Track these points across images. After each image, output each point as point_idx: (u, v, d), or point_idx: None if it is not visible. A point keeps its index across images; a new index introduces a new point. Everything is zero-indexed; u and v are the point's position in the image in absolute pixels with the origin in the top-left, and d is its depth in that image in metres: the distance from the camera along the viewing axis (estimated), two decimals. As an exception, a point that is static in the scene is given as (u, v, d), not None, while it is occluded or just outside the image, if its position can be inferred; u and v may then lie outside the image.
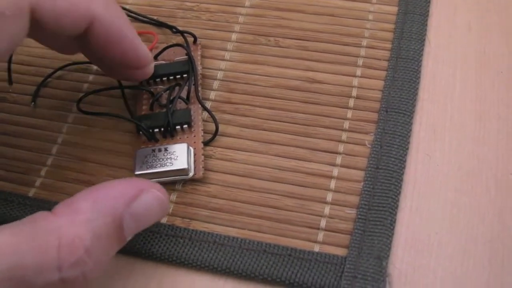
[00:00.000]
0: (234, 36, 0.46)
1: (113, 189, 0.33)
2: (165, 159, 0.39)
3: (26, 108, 0.44)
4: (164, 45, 0.45)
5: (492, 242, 0.37)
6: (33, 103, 0.44)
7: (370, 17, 0.46)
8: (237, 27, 0.46)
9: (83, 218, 0.32)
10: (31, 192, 0.41)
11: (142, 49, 0.39)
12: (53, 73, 0.45)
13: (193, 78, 0.43)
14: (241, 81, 0.44)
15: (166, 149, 0.40)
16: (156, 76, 0.43)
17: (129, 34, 0.38)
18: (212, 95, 0.43)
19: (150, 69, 0.41)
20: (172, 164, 0.39)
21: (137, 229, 0.34)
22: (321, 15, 0.46)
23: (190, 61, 0.43)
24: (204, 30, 0.46)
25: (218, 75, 0.44)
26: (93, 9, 0.36)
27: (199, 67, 0.44)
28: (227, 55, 0.45)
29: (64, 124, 0.43)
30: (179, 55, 0.44)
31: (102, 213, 0.32)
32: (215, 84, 0.44)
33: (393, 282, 0.36)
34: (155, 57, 0.44)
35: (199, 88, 0.43)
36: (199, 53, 0.45)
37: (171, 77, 0.43)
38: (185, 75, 0.43)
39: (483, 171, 0.39)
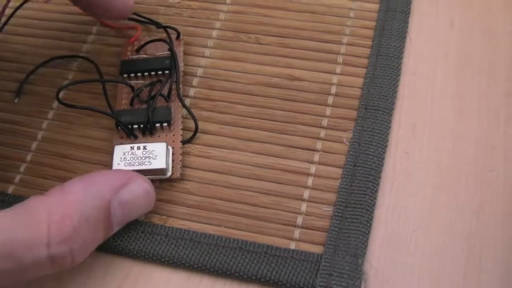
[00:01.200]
0: (214, 33, 0.46)
1: (103, 177, 0.35)
2: (143, 158, 0.39)
3: (6, 104, 0.44)
4: (147, 39, 0.45)
5: (470, 239, 0.37)
6: (17, 98, 0.44)
7: (351, 14, 0.46)
8: (217, 24, 0.46)
9: (73, 199, 0.33)
10: (10, 189, 0.41)
11: None
12: (35, 69, 0.45)
13: (175, 75, 0.42)
14: (220, 78, 0.44)
15: (145, 148, 0.39)
16: (137, 70, 0.43)
17: None
18: (192, 92, 0.43)
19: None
20: (150, 163, 0.39)
21: (123, 218, 0.36)
22: (302, 12, 0.46)
23: (172, 57, 0.43)
24: (185, 27, 0.46)
25: (198, 72, 0.44)
26: None
27: (181, 64, 0.44)
28: (207, 52, 0.45)
29: (44, 121, 0.43)
30: (161, 50, 0.44)
31: (91, 196, 0.34)
32: (195, 81, 0.44)
33: (369, 280, 0.36)
34: (137, 51, 0.44)
35: (180, 86, 0.42)
36: (181, 49, 0.45)
37: (153, 73, 0.43)
38: (166, 72, 0.43)
39: (462, 168, 0.39)
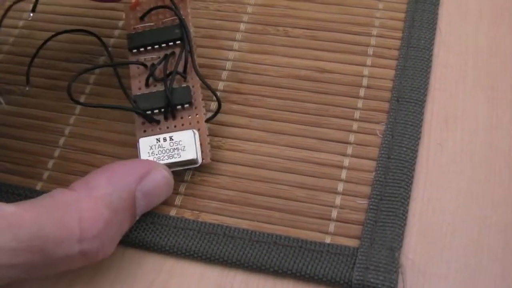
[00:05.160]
0: (242, 26, 0.46)
1: (125, 167, 0.36)
2: (172, 150, 0.38)
3: (33, 100, 0.44)
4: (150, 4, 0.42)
5: (506, 232, 0.36)
6: (28, 86, 0.43)
7: (380, 6, 0.45)
8: (245, 17, 0.46)
9: (100, 193, 0.33)
10: (39, 185, 0.40)
11: None
12: (42, 45, 0.43)
13: (187, 46, 0.40)
14: (250, 71, 0.43)
15: (171, 138, 0.38)
16: (147, 44, 0.41)
17: None
18: (221, 85, 0.43)
19: None
20: (180, 155, 0.38)
21: (146, 207, 0.36)
22: (331, 4, 0.46)
23: (182, 27, 0.41)
24: (212, 21, 0.46)
25: (227, 65, 0.44)
26: None
27: (191, 29, 0.41)
28: (235, 45, 0.45)
29: (71, 116, 0.43)
30: (168, 15, 0.42)
31: (117, 188, 0.34)
32: (224, 74, 0.43)
33: (406, 273, 0.35)
34: (141, 18, 0.42)
35: (195, 57, 0.40)
36: (188, 10, 0.42)
37: (163, 45, 0.41)
38: (177, 42, 0.41)
39: (496, 160, 0.39)
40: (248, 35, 0.45)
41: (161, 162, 0.38)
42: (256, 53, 0.44)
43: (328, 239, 0.37)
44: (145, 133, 0.39)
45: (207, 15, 0.46)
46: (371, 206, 0.37)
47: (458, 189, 0.38)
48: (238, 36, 0.45)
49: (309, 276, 0.35)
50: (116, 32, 0.47)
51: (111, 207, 0.33)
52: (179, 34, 0.41)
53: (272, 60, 0.44)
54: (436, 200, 0.38)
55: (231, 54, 0.44)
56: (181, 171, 0.39)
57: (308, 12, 0.46)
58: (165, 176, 0.37)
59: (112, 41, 0.46)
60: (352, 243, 0.36)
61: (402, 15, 0.45)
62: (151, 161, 0.37)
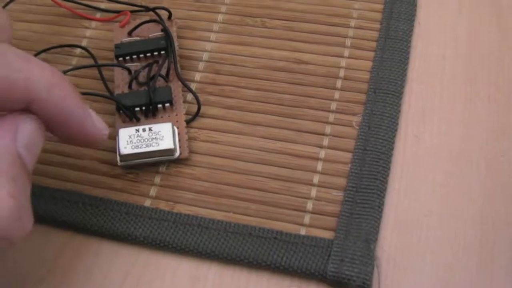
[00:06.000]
0: (220, 17, 0.45)
1: None
2: (150, 139, 0.38)
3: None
4: (138, 22, 0.44)
5: (483, 224, 0.36)
6: None
7: (359, -3, 0.45)
8: (223, 8, 0.46)
9: None
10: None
11: (91, 127, 0.34)
12: (36, 55, 0.44)
13: (171, 54, 0.42)
14: (227, 62, 0.43)
15: (150, 129, 0.39)
16: (132, 53, 0.43)
17: (75, 114, 0.33)
18: (197, 76, 0.43)
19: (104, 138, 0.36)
20: (158, 144, 0.38)
21: (34, 157, 0.31)
22: (308, -5, 0.46)
23: (167, 35, 0.43)
24: (190, 11, 0.46)
25: (204, 56, 0.44)
26: (32, 92, 0.31)
27: (176, 44, 0.43)
28: (212, 36, 0.45)
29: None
30: (154, 32, 0.44)
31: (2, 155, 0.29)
32: (200, 65, 0.43)
33: (382, 265, 0.35)
34: (130, 33, 0.44)
35: (178, 65, 0.42)
36: (174, 29, 0.44)
37: (148, 54, 0.43)
38: (162, 52, 0.43)
39: (473, 153, 0.39)
40: (226, 26, 0.45)
41: (139, 150, 0.38)
42: (233, 44, 0.44)
43: (303, 231, 0.36)
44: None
45: (185, 5, 0.46)
46: (346, 198, 0.37)
47: (435, 181, 0.38)
48: (216, 27, 0.45)
49: (284, 267, 0.35)
50: (94, 24, 0.46)
51: (4, 187, 0.28)
52: (164, 45, 0.42)
53: (249, 51, 0.44)
54: (413, 193, 0.38)
55: (208, 45, 0.44)
56: (157, 162, 0.39)
57: (286, 3, 0.46)
58: (33, 121, 0.31)
59: (88, 32, 0.46)
60: (328, 235, 0.36)
61: (380, 7, 0.45)
62: (16, 114, 0.31)
